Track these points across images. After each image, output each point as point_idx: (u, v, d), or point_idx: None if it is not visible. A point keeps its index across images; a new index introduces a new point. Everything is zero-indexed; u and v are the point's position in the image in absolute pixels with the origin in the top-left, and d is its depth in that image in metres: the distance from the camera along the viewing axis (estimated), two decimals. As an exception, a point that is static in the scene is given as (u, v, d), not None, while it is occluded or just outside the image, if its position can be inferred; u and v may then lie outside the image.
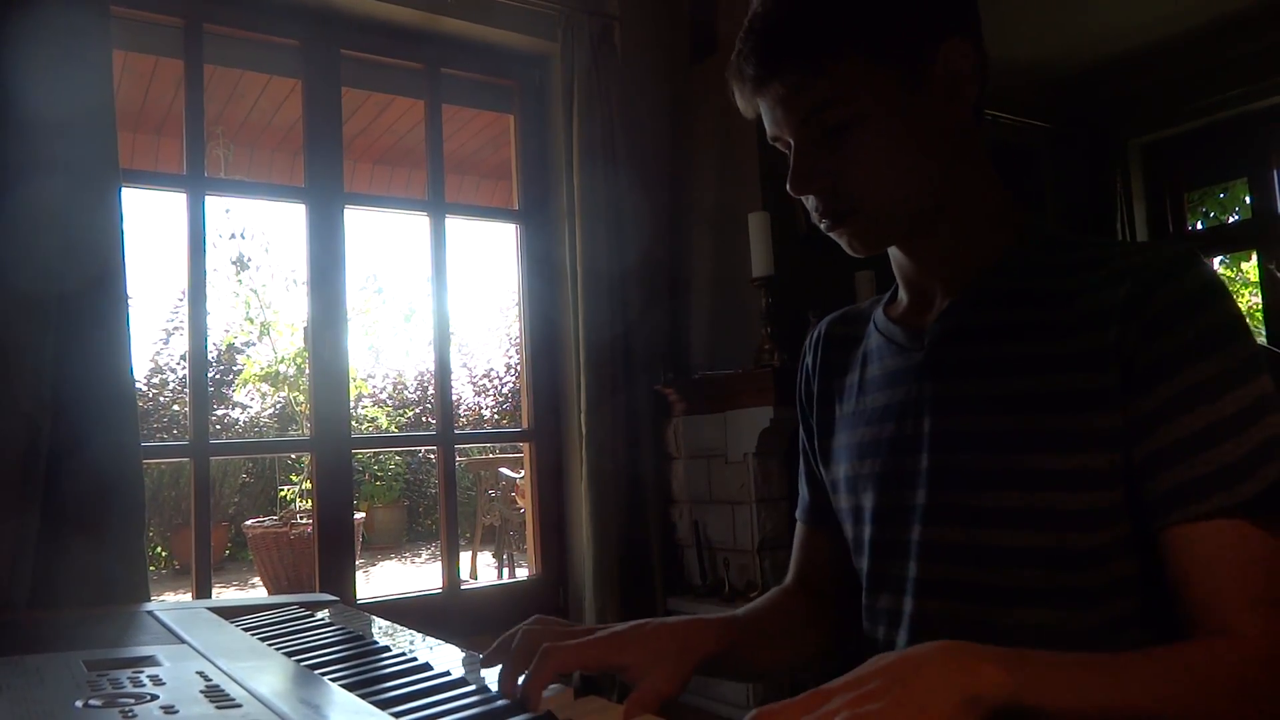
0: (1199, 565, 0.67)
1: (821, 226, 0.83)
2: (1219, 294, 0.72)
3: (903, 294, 0.91)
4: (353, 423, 2.53)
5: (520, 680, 0.71)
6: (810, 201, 0.82)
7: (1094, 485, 0.72)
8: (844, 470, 0.92)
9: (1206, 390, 0.69)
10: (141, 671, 0.75)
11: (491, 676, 0.76)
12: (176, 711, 0.62)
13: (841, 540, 0.95)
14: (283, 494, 7.19)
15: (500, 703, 0.70)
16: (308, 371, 3.11)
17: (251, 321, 7.39)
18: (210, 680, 0.72)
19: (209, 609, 1.13)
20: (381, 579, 6.58)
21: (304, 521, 5.82)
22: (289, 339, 7.15)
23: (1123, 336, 0.72)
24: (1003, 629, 0.76)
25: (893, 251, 0.88)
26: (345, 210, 2.49)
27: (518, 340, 3.02)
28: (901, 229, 0.83)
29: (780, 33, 0.78)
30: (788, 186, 0.81)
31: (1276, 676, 0.63)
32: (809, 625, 0.96)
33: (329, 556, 2.40)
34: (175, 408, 7.57)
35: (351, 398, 2.61)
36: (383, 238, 13.36)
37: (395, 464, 8.38)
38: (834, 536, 0.97)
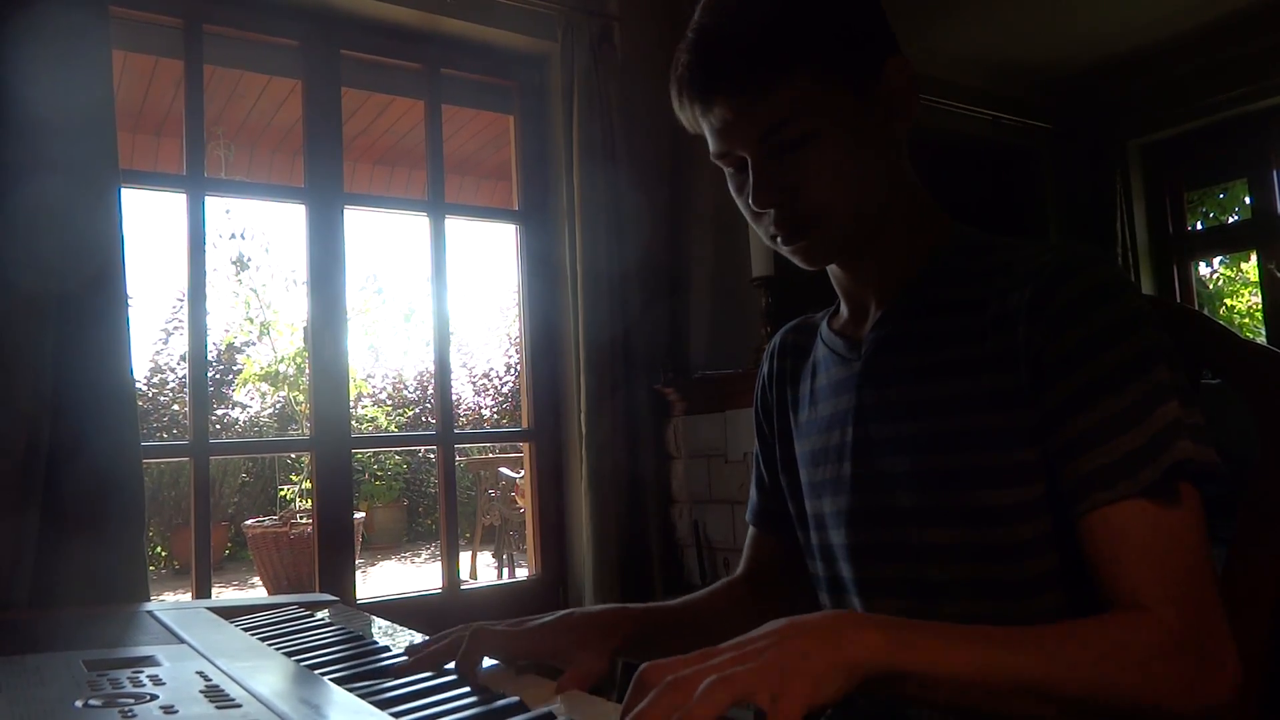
0: (1106, 547, 0.70)
1: (777, 241, 0.85)
2: (1117, 289, 0.75)
3: (843, 306, 0.94)
4: (353, 422, 2.53)
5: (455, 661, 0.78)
6: (768, 217, 0.83)
7: (1014, 482, 0.76)
8: (803, 477, 0.95)
9: (1107, 383, 0.72)
10: (141, 671, 0.75)
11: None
12: (176, 711, 0.62)
13: (788, 543, 1.00)
14: (282, 494, 7.20)
15: (500, 702, 0.70)
16: (308, 371, 3.11)
17: (251, 321, 7.40)
18: (210, 680, 0.72)
19: (209, 609, 1.13)
20: (381, 579, 6.58)
21: (304, 521, 5.82)
22: (289, 339, 7.15)
23: (1029, 336, 0.75)
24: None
25: (830, 266, 0.91)
26: (345, 210, 2.49)
27: (518, 340, 3.02)
28: (854, 241, 0.85)
29: (732, 51, 0.79)
30: (750, 202, 0.83)
31: (1177, 644, 0.65)
32: (753, 609, 1.00)
33: (329, 556, 2.40)
34: (175, 408, 7.57)
35: (351, 397, 2.61)
36: (383, 238, 13.37)
37: (395, 464, 8.39)
38: (782, 540, 1.02)
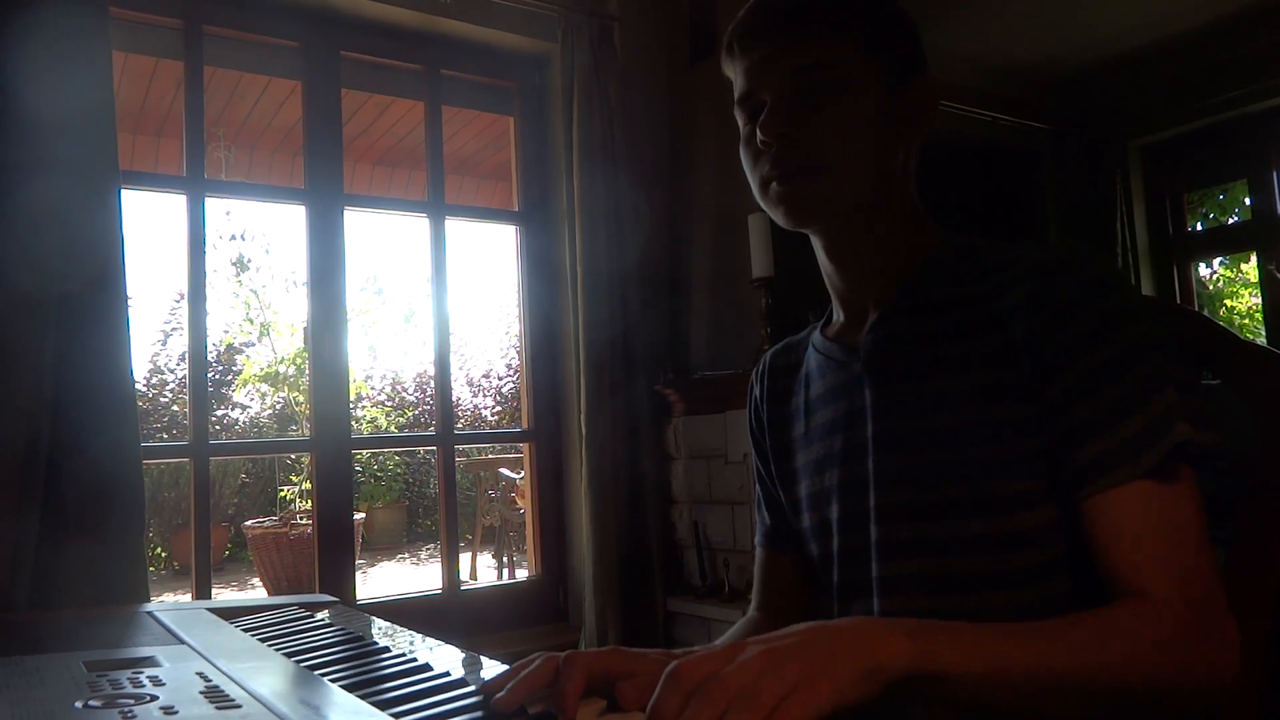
0: (1109, 531, 0.72)
1: (769, 188, 0.87)
2: (1114, 283, 0.78)
3: (838, 313, 0.96)
4: (352, 423, 2.53)
5: (557, 688, 0.67)
6: (768, 155, 0.86)
7: (1022, 472, 0.78)
8: (805, 488, 0.95)
9: (1107, 372, 0.74)
10: (141, 672, 0.75)
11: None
12: (176, 712, 0.62)
13: (803, 562, 0.99)
14: (282, 494, 7.19)
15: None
16: (308, 372, 3.11)
17: (251, 322, 7.39)
18: (210, 681, 0.72)
19: (209, 609, 1.12)
20: (381, 579, 6.57)
21: (304, 522, 5.82)
22: (289, 339, 7.15)
23: (1029, 330, 0.78)
24: (959, 616, 0.78)
25: (825, 267, 0.93)
26: (345, 212, 2.49)
27: (517, 341, 3.02)
28: (845, 205, 0.86)
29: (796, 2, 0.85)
30: (759, 128, 0.85)
31: (1184, 628, 0.67)
32: None
33: (329, 557, 2.40)
34: (175, 408, 7.57)
35: (351, 398, 2.62)
36: (383, 239, 13.38)
37: (395, 464, 8.38)
38: (796, 559, 1.01)
